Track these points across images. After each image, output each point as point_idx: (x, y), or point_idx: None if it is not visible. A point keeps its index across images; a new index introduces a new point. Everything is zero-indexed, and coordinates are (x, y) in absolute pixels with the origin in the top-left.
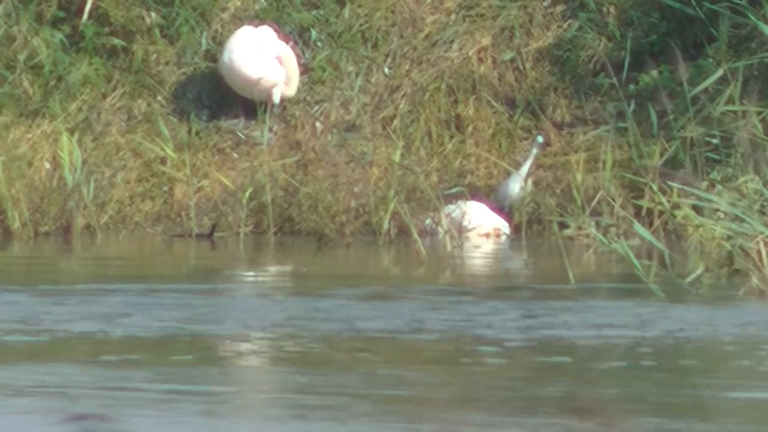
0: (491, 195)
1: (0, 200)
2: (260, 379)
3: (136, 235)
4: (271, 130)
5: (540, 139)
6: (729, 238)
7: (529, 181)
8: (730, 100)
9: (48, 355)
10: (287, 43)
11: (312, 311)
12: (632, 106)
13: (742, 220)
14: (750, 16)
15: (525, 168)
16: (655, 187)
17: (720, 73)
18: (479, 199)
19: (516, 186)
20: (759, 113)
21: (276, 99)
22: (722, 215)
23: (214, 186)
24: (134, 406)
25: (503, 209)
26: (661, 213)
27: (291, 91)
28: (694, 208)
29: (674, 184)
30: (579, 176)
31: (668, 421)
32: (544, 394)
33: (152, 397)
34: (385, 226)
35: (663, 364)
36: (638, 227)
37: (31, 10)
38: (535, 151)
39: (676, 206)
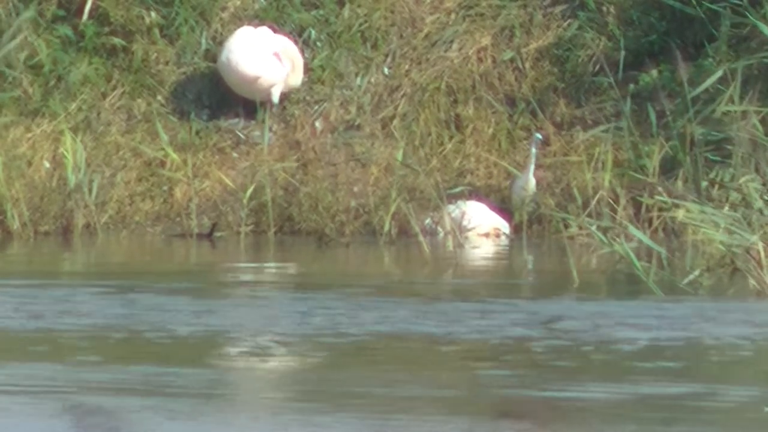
0: (505, 197)
1: (0, 200)
2: (258, 380)
3: (136, 235)
4: (270, 129)
5: (538, 136)
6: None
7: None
8: (731, 100)
9: (52, 353)
10: None
11: (311, 311)
12: (629, 105)
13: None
14: (749, 15)
15: (531, 166)
16: (663, 191)
17: (720, 73)
18: (479, 199)
19: (531, 183)
20: (759, 113)
21: (275, 98)
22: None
23: (214, 186)
24: (132, 409)
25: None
26: (661, 212)
27: (296, 81)
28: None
29: (669, 200)
30: (588, 175)
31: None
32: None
33: (152, 396)
34: (387, 226)
35: (654, 364)
36: (634, 230)
37: (31, 10)
38: (534, 149)
39: (676, 204)
